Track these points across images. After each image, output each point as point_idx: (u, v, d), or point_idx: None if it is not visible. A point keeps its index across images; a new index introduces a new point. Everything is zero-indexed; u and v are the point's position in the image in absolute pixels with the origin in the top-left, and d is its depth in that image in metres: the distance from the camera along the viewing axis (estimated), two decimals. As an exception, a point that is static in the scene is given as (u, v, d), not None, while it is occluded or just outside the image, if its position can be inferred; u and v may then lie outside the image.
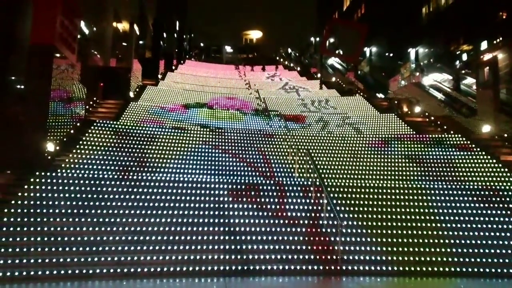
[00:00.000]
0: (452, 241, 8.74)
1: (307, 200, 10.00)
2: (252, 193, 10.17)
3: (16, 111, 11.02)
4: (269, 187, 10.55)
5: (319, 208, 9.57)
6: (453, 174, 12.72)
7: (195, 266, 7.44)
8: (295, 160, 12.49)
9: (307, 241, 8.45)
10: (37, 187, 9.40)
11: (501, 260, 8.19)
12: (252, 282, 7.24)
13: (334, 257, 7.93)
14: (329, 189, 10.12)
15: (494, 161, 13.40)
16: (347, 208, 9.66)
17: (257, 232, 8.61)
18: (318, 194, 10.06)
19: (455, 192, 10.89)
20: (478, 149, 14.42)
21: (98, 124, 14.01)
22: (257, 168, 12.45)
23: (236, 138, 14.87)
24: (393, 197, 10.46)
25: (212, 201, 9.68)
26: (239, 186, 10.46)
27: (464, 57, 32.32)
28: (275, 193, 10.25)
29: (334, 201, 9.37)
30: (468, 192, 10.89)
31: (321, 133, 17.43)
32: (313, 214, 9.40)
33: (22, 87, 11.76)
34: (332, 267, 7.72)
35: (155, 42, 33.49)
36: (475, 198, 10.60)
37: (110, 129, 13.93)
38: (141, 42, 30.41)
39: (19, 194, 9.04)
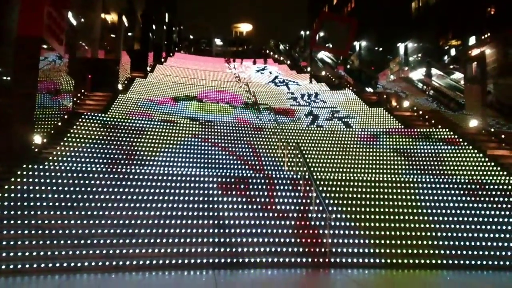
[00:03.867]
0: (439, 234, 8.85)
1: (296, 194, 10.04)
2: (242, 186, 10.18)
3: (3, 103, 10.86)
4: (258, 181, 10.56)
5: (308, 201, 9.61)
6: (440, 167, 12.86)
7: (184, 259, 7.44)
8: (285, 154, 12.53)
9: (296, 234, 8.49)
10: (24, 179, 9.30)
11: (486, 253, 8.32)
12: (241, 275, 7.26)
13: (323, 249, 7.98)
14: (318, 182, 10.17)
15: (481, 155, 13.58)
16: (336, 202, 9.73)
17: (246, 225, 8.63)
18: (307, 188, 10.10)
19: (442, 185, 11.01)
20: (465, 143, 14.59)
21: (86, 117, 13.88)
22: (246, 162, 12.46)
23: (225, 131, 14.84)
24: (381, 190, 10.54)
25: (202, 194, 9.67)
26: (228, 179, 10.46)
27: (453, 52, 32.59)
28: (264, 187, 10.28)
29: (323, 195, 9.41)
30: (455, 186, 11.02)
31: (311, 126, 17.49)
32: (302, 207, 9.44)
33: (9, 78, 11.59)
34: (321, 260, 7.77)
35: (144, 34, 33.19)
36: (462, 192, 10.73)
37: (98, 121, 13.80)
38: (129, 34, 30.12)
39: (6, 187, 8.93)
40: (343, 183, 10.74)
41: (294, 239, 8.33)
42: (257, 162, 12.50)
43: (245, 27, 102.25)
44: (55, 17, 11.70)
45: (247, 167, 12.08)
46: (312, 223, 8.87)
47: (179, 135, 13.78)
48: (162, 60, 37.28)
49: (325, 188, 10.27)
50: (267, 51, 58.70)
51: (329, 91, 26.37)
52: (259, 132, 15.12)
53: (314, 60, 40.61)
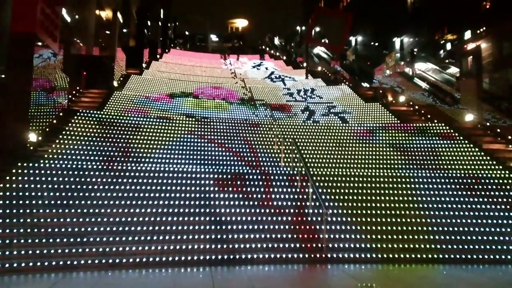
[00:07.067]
0: (435, 228, 8.87)
1: (293, 189, 10.03)
2: (238, 182, 10.18)
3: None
4: (255, 177, 10.55)
5: (305, 197, 9.61)
6: (436, 162, 12.88)
7: (181, 256, 7.42)
8: (281, 150, 12.51)
9: (292, 230, 8.49)
10: (20, 178, 9.25)
11: (482, 247, 8.35)
12: (238, 271, 7.25)
13: (320, 245, 7.99)
14: (314, 178, 10.17)
15: (477, 149, 13.60)
16: (333, 197, 9.73)
17: (243, 222, 8.61)
18: (304, 183, 10.11)
19: (438, 180, 11.04)
20: (461, 138, 14.62)
21: (82, 114, 13.81)
22: (243, 158, 12.44)
23: (222, 127, 14.80)
24: (378, 185, 10.57)
25: (198, 191, 9.66)
26: (225, 176, 10.45)
27: (449, 46, 32.60)
28: (261, 183, 10.27)
29: (320, 190, 9.43)
30: (451, 180, 11.05)
31: (307, 122, 17.48)
32: (298, 203, 9.44)
33: (3, 76, 11.50)
34: (318, 255, 7.77)
35: (139, 31, 33.03)
36: (458, 186, 10.76)
37: (94, 119, 13.74)
38: (124, 30, 29.96)
39: (1, 185, 8.87)
40: (339, 179, 10.76)
41: (291, 235, 8.34)
42: (253, 158, 12.47)
43: (240, 23, 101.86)
44: (49, 14, 11.59)
45: (243, 163, 12.06)
46: (309, 218, 8.88)
47: (175, 132, 13.73)
48: (158, 56, 37.08)
49: (321, 184, 10.27)
50: (263, 47, 58.51)
51: (325, 86, 26.33)
52: (255, 128, 15.09)
53: (310, 56, 40.53)
